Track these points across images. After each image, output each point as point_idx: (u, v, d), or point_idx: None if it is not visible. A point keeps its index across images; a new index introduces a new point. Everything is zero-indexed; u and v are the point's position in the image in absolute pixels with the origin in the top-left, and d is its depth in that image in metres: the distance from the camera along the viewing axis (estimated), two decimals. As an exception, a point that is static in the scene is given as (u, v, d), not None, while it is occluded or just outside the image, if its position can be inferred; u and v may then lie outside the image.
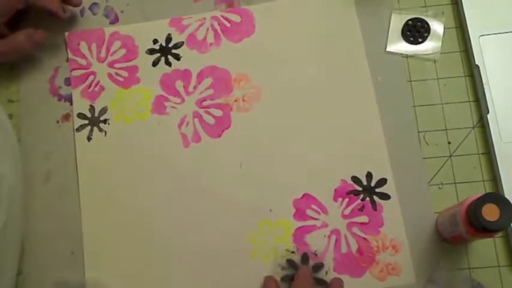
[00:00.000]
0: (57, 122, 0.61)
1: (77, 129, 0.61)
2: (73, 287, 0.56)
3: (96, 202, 0.58)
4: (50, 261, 0.57)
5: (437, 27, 0.62)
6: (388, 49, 0.62)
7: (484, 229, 0.47)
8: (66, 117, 0.61)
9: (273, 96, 0.61)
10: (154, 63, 0.63)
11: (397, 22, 0.62)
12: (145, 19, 0.64)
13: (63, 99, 0.62)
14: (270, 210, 0.57)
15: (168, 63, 0.63)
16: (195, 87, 0.62)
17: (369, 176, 0.58)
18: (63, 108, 0.62)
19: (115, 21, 0.64)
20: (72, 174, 0.59)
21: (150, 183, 0.59)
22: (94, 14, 0.65)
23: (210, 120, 0.60)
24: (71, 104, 0.62)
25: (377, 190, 0.57)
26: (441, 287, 0.54)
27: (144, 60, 0.63)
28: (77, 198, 0.59)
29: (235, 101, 0.61)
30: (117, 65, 0.63)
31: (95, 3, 0.65)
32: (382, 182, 0.58)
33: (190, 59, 0.63)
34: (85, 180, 0.59)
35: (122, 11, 0.65)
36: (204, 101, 0.61)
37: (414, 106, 0.60)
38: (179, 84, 0.62)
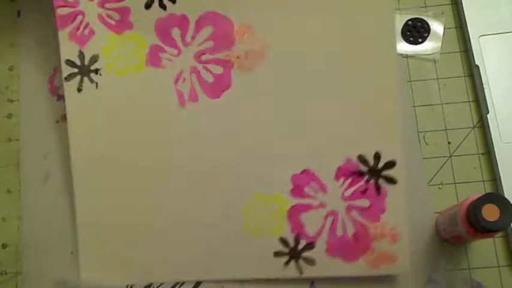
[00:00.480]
0: (57, 121, 0.61)
1: (65, 78, 0.56)
2: (73, 287, 0.56)
3: (87, 162, 0.55)
4: (49, 261, 0.57)
5: (437, 27, 0.62)
6: (388, 49, 0.62)
7: (484, 229, 0.47)
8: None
9: (280, 55, 0.54)
10: (147, 6, 0.56)
11: (397, 22, 0.62)
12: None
13: (62, 99, 0.62)
14: (267, 183, 0.54)
15: (162, 6, 0.55)
16: (192, 37, 0.56)
17: (377, 156, 0.53)
18: (62, 108, 0.61)
19: None
20: (71, 175, 0.59)
21: (143, 143, 0.55)
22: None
23: (209, 78, 0.55)
24: (71, 104, 0.62)
25: (384, 173, 0.54)
26: (441, 287, 0.54)
27: (136, 1, 0.56)
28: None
29: (238, 57, 0.55)
30: (107, 5, 0.56)
31: None
32: (391, 164, 0.53)
33: (187, 2, 0.55)
34: (76, 139, 0.56)
35: None
36: (203, 54, 0.55)
37: (414, 106, 0.60)
38: (176, 33, 0.56)
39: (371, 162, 0.54)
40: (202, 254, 0.55)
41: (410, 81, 0.61)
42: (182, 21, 0.56)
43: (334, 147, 0.54)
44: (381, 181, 0.53)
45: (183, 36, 0.56)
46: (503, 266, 0.55)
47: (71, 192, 0.58)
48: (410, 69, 0.61)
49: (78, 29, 0.56)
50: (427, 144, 0.59)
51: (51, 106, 0.62)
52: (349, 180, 0.54)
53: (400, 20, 0.62)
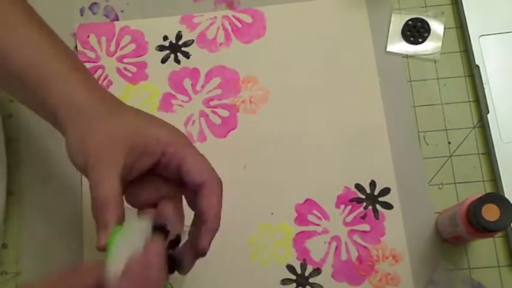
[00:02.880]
0: (57, 121, 0.61)
1: None
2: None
3: None
4: (49, 263, 0.57)
5: (437, 27, 0.62)
6: (388, 49, 0.62)
7: (484, 229, 0.47)
8: (66, 117, 0.61)
9: (280, 99, 0.61)
10: (163, 60, 0.62)
11: (397, 22, 0.62)
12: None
13: (63, 99, 0.62)
14: (272, 214, 0.57)
15: (177, 60, 0.62)
16: (202, 86, 0.61)
17: (373, 184, 0.57)
18: (63, 108, 0.62)
19: (115, 20, 0.64)
20: (72, 175, 0.59)
21: None
22: (94, 13, 0.65)
23: (216, 120, 0.60)
24: (71, 104, 0.62)
25: (380, 199, 0.57)
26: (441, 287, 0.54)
27: (153, 57, 0.62)
28: (77, 199, 0.58)
29: (242, 102, 0.61)
30: (126, 60, 0.63)
31: (94, 3, 0.65)
32: (386, 191, 0.57)
33: (199, 58, 0.62)
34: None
35: (122, 11, 0.65)
36: (211, 100, 0.61)
37: (414, 106, 0.60)
38: (187, 83, 0.62)
39: (367, 189, 0.57)
40: (211, 285, 0.56)
41: (410, 81, 0.61)
42: (194, 73, 0.62)
43: (333, 177, 0.58)
44: (378, 207, 0.57)
45: (193, 86, 0.62)
46: (503, 266, 0.55)
47: (71, 191, 0.59)
48: (410, 69, 0.61)
49: (98, 80, 0.61)
50: (427, 144, 0.59)
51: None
52: (349, 207, 0.57)
53: (400, 20, 0.62)
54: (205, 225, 0.41)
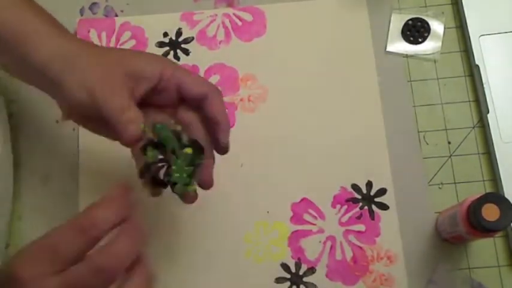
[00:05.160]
0: (57, 121, 0.61)
1: None
2: None
3: (96, 189, 0.58)
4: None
5: (437, 27, 0.62)
6: (388, 49, 0.61)
7: (484, 229, 0.47)
8: (66, 117, 0.61)
9: (279, 98, 0.61)
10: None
11: (397, 22, 0.62)
12: (145, 19, 0.64)
13: (63, 99, 0.62)
14: (267, 212, 0.57)
15: (176, 57, 0.62)
16: None
17: (369, 185, 0.57)
18: (63, 108, 0.62)
19: (115, 21, 0.64)
20: (71, 175, 0.59)
21: None
22: (94, 13, 0.65)
23: None
24: (71, 104, 0.62)
25: (376, 200, 0.57)
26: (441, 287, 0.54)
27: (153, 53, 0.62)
28: (77, 199, 0.58)
29: (241, 100, 0.61)
30: None
31: (94, 3, 0.65)
32: (382, 191, 0.57)
33: (199, 55, 0.62)
34: (85, 181, 0.59)
35: (122, 11, 0.65)
36: None
37: (414, 106, 0.60)
38: None
39: (364, 190, 0.57)
40: (205, 281, 0.56)
41: (410, 81, 0.61)
42: (193, 70, 0.62)
43: (329, 177, 0.58)
44: (374, 207, 0.57)
45: None
46: (503, 266, 0.55)
47: (71, 191, 0.59)
48: (410, 69, 0.61)
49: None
50: (427, 144, 0.59)
51: (51, 106, 0.61)
52: (345, 207, 0.57)
53: (400, 20, 0.62)
54: (219, 126, 0.46)
